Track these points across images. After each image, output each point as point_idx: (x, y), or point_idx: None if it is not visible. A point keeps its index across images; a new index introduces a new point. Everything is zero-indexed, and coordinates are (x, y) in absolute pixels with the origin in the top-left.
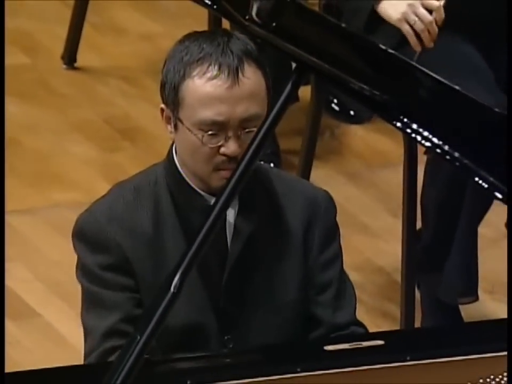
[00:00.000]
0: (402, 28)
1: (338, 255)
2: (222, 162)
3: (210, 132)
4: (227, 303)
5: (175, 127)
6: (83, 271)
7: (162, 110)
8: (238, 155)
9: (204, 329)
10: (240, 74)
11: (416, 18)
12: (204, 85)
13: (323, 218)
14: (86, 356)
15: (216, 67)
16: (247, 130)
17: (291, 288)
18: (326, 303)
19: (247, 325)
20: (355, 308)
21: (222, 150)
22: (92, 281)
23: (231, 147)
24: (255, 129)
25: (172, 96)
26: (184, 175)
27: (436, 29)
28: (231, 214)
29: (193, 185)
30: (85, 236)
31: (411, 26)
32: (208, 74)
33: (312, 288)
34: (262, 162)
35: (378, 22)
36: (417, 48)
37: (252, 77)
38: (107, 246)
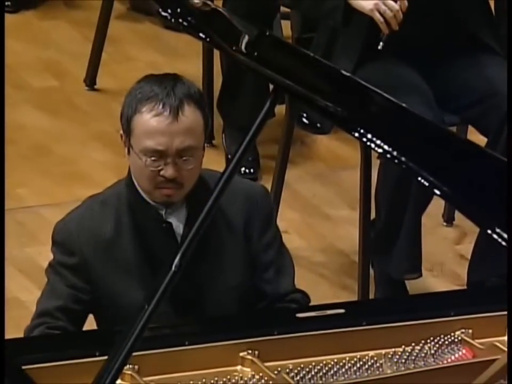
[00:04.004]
0: (374, 16)
1: (277, 236)
2: (161, 182)
3: (152, 158)
4: (184, 289)
5: (128, 150)
6: (51, 267)
7: (121, 135)
8: (175, 178)
9: (163, 313)
10: (180, 113)
11: (386, 8)
12: (150, 120)
13: (260, 209)
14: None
15: (161, 106)
16: (184, 158)
17: (238, 271)
18: (269, 279)
19: (202, 306)
20: (293, 278)
21: (162, 172)
22: (53, 273)
23: (168, 171)
24: (190, 158)
25: (126, 126)
26: (139, 189)
27: (401, 15)
28: (180, 221)
29: (146, 198)
30: (57, 240)
31: (381, 14)
32: (154, 112)
33: (256, 267)
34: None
35: (353, 15)
36: (386, 31)
37: (190, 116)
38: (72, 251)
